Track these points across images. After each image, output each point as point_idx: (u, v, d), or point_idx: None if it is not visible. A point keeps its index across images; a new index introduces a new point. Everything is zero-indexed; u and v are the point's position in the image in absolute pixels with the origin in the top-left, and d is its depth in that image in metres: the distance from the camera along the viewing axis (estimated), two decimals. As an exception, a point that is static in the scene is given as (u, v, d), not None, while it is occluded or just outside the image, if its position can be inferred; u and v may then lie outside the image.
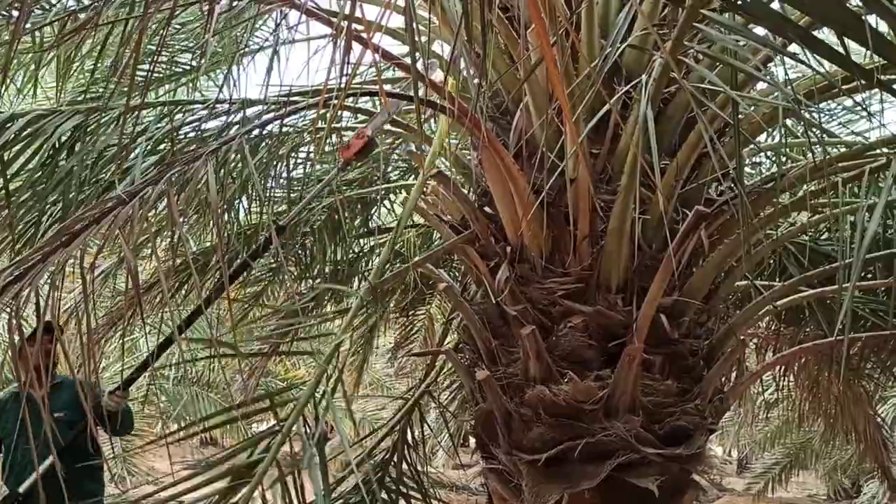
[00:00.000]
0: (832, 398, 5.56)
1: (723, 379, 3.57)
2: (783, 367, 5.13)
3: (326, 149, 5.15)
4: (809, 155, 3.13)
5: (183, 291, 5.72)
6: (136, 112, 3.44)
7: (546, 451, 3.06)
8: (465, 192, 3.65)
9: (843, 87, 2.57)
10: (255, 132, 4.10)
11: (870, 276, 4.58)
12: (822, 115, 3.92)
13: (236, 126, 3.89)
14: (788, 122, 3.79)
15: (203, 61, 4.86)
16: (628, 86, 2.78)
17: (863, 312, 4.33)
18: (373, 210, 5.65)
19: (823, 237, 4.82)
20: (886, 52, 1.53)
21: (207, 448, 17.72)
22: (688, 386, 3.18)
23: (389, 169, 5.40)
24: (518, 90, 3.15)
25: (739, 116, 2.89)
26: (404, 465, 4.18)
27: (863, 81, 1.98)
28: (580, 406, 3.04)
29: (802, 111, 2.31)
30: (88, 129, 3.38)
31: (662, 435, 3.09)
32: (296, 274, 6.03)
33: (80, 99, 5.04)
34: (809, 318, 4.73)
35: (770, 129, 4.10)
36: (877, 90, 2.13)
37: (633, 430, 3.01)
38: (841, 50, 1.67)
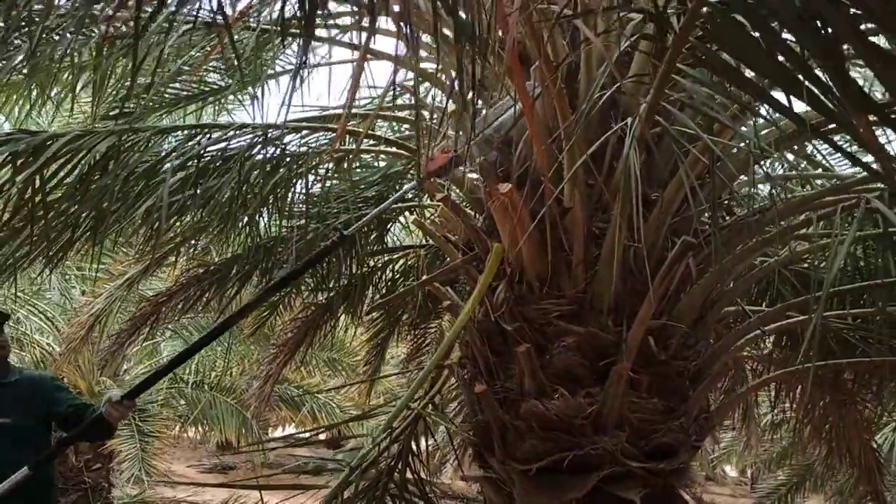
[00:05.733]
0: (827, 422, 5.71)
1: (711, 398, 3.77)
2: (776, 390, 5.29)
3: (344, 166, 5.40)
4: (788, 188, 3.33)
5: (204, 299, 5.98)
6: (163, 134, 3.69)
7: (537, 461, 3.26)
8: (472, 215, 3.87)
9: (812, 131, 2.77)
10: (277, 152, 4.38)
11: (863, 303, 4.75)
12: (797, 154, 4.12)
13: (259, 146, 4.16)
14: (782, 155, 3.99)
15: (231, 82, 5.14)
16: (621, 123, 2.99)
17: (853, 339, 4.48)
18: (387, 226, 5.90)
19: (823, 265, 4.98)
20: (823, 108, 1.73)
21: (224, 452, 18.01)
22: (673, 405, 3.37)
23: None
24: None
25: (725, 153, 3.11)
26: (408, 474, 4.39)
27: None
28: (570, 421, 3.24)
29: (773, 154, 2.52)
30: (122, 149, 3.64)
31: (648, 450, 3.29)
32: (312, 286, 6.27)
33: (112, 114, 5.34)
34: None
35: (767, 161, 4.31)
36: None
37: (620, 445, 3.21)
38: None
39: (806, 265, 5.20)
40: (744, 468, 20.07)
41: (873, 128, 1.81)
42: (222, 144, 3.92)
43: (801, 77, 1.67)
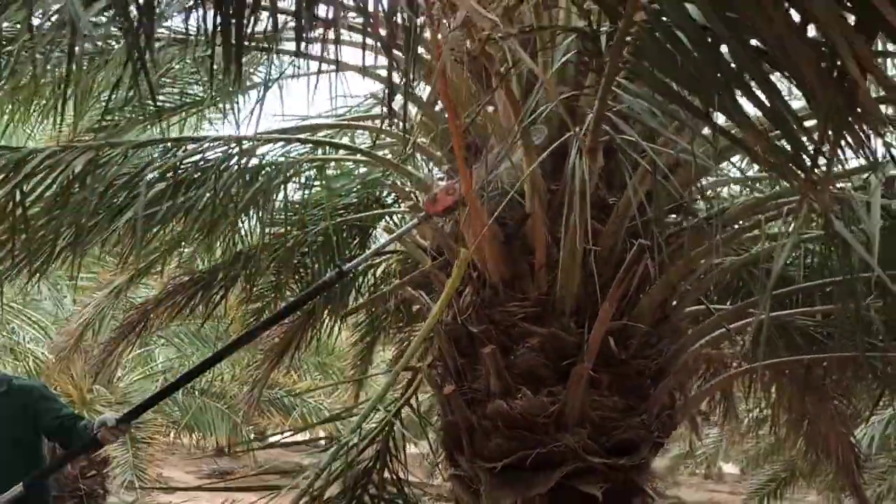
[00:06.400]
0: (804, 418, 5.81)
1: (677, 395, 3.89)
2: (748, 387, 5.41)
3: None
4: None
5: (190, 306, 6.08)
6: (139, 148, 3.80)
7: (503, 459, 3.38)
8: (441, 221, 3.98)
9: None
10: (255, 162, 4.49)
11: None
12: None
13: (235, 157, 4.27)
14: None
15: (210, 93, 5.25)
16: (568, 134, 3.10)
17: (818, 336, 4.59)
18: (369, 232, 6.00)
19: (790, 263, 5.08)
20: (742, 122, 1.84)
21: (222, 458, 18.11)
22: (634, 403, 3.49)
23: (385, 194, 5.74)
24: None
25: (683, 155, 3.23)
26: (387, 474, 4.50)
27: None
28: (534, 419, 3.35)
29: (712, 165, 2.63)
30: (99, 163, 3.75)
31: (609, 447, 3.40)
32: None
33: (96, 127, 5.45)
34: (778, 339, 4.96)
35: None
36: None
37: (581, 442, 3.32)
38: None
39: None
40: (743, 466, 20.11)
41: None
42: (200, 156, 4.03)
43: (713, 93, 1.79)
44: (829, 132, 1.29)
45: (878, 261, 3.54)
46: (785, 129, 1.62)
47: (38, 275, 4.45)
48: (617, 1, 2.03)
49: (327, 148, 5.02)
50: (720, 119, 2.23)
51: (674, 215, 3.74)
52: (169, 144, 3.98)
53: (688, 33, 1.68)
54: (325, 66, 4.59)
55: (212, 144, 3.99)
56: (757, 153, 2.00)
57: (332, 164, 5.51)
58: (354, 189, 5.59)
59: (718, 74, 1.74)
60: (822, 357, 4.33)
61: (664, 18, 1.85)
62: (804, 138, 1.45)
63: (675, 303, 3.77)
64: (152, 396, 4.03)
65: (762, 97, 1.64)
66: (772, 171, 1.93)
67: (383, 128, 4.46)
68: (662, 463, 21.00)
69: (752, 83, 1.56)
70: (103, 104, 5.26)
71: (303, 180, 5.19)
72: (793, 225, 2.86)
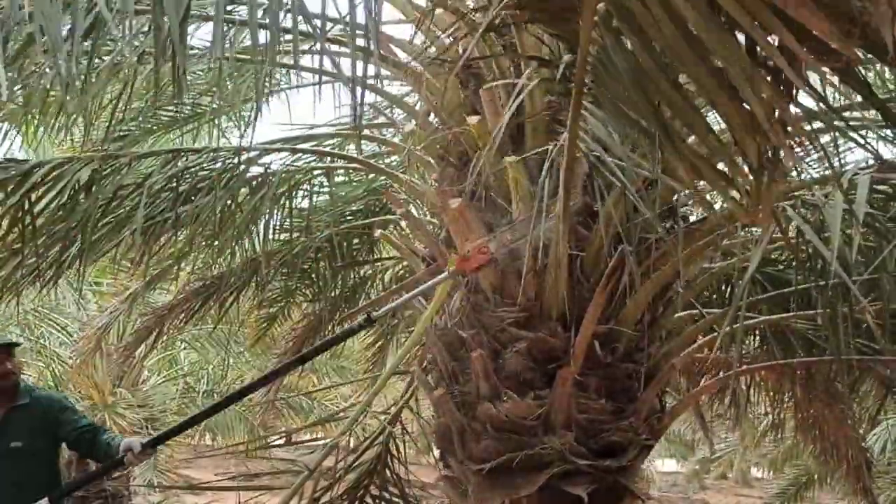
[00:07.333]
0: (811, 421, 5.81)
1: (667, 397, 3.94)
2: (747, 390, 5.42)
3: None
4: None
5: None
6: (142, 159, 3.93)
7: (491, 461, 3.45)
8: (435, 225, 4.08)
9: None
10: (259, 170, 4.61)
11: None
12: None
13: (239, 167, 4.39)
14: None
15: (218, 104, 5.39)
16: (552, 144, 3.17)
17: (816, 340, 4.60)
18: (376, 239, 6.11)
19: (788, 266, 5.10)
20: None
21: (251, 460, 18.32)
22: (622, 405, 3.54)
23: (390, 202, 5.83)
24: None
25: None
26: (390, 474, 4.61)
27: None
28: (521, 422, 3.42)
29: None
30: (103, 174, 3.88)
31: (597, 449, 3.46)
32: (310, 296, 6.52)
33: (114, 137, 5.61)
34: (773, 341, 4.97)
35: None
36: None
37: (568, 444, 3.39)
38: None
39: (780, 267, 5.34)
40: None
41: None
42: (198, 166, 4.15)
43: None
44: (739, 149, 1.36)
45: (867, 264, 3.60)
46: (719, 153, 1.69)
47: (51, 282, 4.61)
48: (574, 33, 2.11)
49: (328, 158, 5.12)
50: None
51: (662, 222, 3.79)
52: (170, 155, 4.10)
53: (626, 65, 1.75)
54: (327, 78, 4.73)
55: (209, 155, 4.11)
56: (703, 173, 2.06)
57: (341, 171, 5.64)
58: (361, 196, 5.70)
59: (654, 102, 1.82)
60: (816, 360, 4.35)
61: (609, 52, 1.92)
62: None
63: (663, 307, 3.81)
64: (175, 427, 4.26)
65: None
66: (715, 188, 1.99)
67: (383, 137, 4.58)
68: (689, 467, 20.94)
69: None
70: (119, 115, 5.45)
71: (307, 188, 5.32)
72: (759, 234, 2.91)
